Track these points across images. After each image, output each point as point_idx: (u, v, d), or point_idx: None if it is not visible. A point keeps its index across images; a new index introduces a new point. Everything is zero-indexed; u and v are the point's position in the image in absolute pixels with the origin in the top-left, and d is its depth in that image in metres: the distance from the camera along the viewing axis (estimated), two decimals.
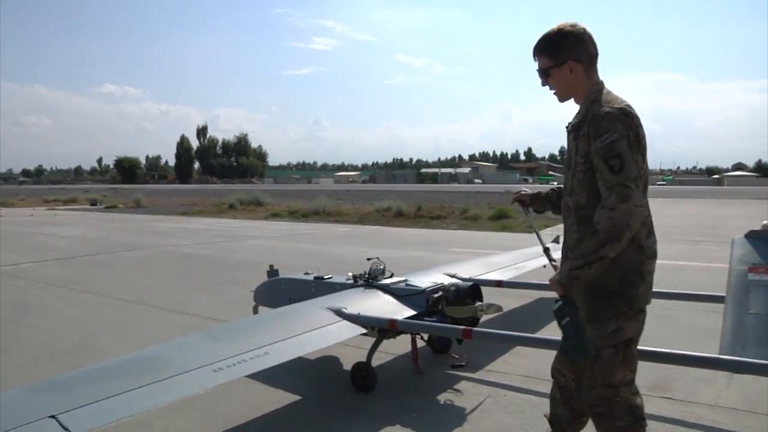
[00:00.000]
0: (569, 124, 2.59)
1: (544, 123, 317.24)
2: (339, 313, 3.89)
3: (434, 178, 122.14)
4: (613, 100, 2.40)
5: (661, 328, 5.74)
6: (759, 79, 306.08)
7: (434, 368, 4.70)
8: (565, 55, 2.49)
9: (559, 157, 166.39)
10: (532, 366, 4.59)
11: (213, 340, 3.37)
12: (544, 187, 3.36)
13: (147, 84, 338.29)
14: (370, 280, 4.71)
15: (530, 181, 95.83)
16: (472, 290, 4.40)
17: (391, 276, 4.83)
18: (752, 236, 3.34)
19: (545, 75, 2.58)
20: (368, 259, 4.91)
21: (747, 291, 3.07)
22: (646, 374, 4.27)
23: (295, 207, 25.15)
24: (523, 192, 3.21)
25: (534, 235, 3.08)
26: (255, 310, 5.40)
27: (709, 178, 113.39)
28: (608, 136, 2.27)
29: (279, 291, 5.14)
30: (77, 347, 5.44)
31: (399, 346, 4.89)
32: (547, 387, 3.05)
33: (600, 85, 2.51)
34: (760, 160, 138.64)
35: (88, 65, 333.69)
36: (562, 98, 2.62)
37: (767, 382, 3.58)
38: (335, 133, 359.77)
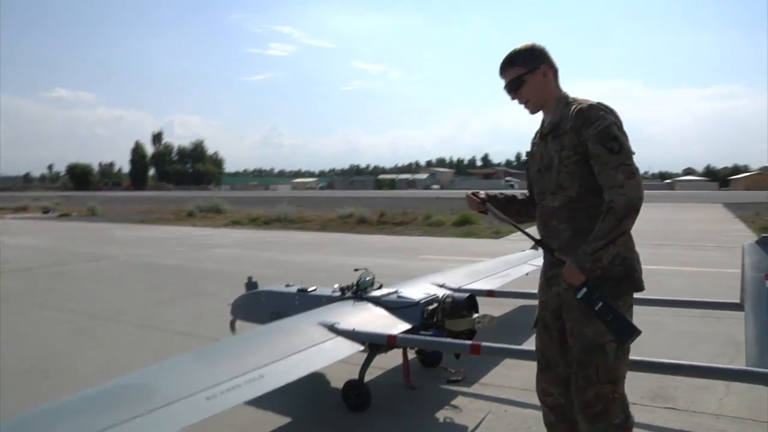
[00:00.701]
0: (540, 130, 2.69)
1: (499, 129, 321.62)
2: (333, 329, 3.65)
3: (392, 184, 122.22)
4: (587, 99, 2.51)
5: (649, 334, 5.65)
6: (707, 87, 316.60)
7: (427, 383, 4.50)
8: (539, 61, 2.59)
9: (515, 163, 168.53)
10: (527, 378, 4.37)
11: (202, 363, 3.09)
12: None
13: (100, 89, 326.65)
14: (359, 292, 4.48)
15: (515, 186, 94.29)
16: (469, 301, 4.21)
17: (380, 287, 4.62)
18: (765, 242, 3.26)
19: (518, 85, 2.62)
20: (355, 270, 4.68)
21: (767, 299, 2.96)
22: (644, 383, 4.18)
23: (256, 214, 24.72)
24: (479, 193, 2.88)
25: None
26: (232, 325, 5.13)
27: (661, 182, 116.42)
28: (600, 122, 2.37)
29: (259, 305, 4.88)
30: (39, 369, 5.05)
31: (388, 359, 4.66)
32: None
33: (567, 93, 2.63)
34: (708, 165, 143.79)
35: (37, 69, 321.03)
36: (535, 107, 2.68)
37: (765, 389, 3.50)
38: (292, 140, 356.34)
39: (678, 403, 3.98)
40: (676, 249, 12.52)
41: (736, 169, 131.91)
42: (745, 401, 3.94)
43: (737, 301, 4.12)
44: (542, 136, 2.67)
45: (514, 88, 2.64)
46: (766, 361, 2.69)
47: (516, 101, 2.67)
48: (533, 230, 2.75)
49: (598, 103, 2.45)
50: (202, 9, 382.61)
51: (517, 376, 4.51)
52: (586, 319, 2.44)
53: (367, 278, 4.57)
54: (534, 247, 7.50)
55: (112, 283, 9.47)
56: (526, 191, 2.93)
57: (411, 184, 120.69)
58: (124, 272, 10.64)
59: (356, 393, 3.98)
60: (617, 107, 2.44)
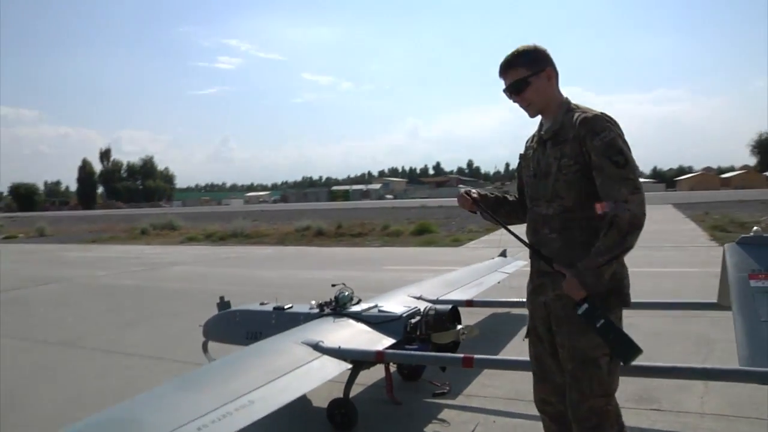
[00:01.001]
0: (539, 135, 2.59)
1: (450, 137, 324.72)
2: (318, 348, 3.55)
3: (346, 196, 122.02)
4: (590, 108, 2.45)
5: None
6: (648, 92, 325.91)
7: (412, 397, 4.42)
8: (543, 63, 2.51)
9: (467, 171, 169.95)
10: (511, 387, 4.40)
11: (188, 391, 2.95)
12: None
13: (44, 106, 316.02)
14: (338, 308, 4.39)
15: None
16: (452, 313, 4.16)
17: (359, 302, 4.53)
18: (745, 242, 3.31)
19: (522, 86, 2.52)
20: (333, 285, 4.59)
21: (753, 299, 3.00)
22: (627, 386, 4.18)
23: (212, 230, 24.30)
24: (471, 192, 2.84)
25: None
26: (205, 347, 4.96)
27: None
28: (606, 134, 2.31)
29: (234, 324, 4.73)
30: (4, 401, 4.76)
31: (368, 375, 4.55)
32: (534, 408, 2.81)
33: (568, 99, 2.55)
34: (655, 167, 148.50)
35: None
36: (537, 111, 2.59)
37: (742, 385, 3.55)
38: (243, 154, 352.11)
39: (662, 404, 4.01)
40: (633, 250, 12.72)
41: (682, 170, 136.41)
42: (725, 398, 4.00)
43: (714, 301, 4.18)
44: (541, 142, 2.58)
45: (516, 91, 2.53)
46: (758, 359, 2.71)
47: (516, 104, 2.58)
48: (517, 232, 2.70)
49: (602, 113, 2.40)
50: (148, 22, 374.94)
51: (499, 386, 4.48)
52: (578, 332, 2.39)
53: (346, 293, 4.48)
54: (503, 254, 7.52)
55: (70, 307, 9.11)
56: (516, 193, 2.87)
57: (365, 195, 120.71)
58: (81, 295, 10.27)
59: (342, 412, 3.87)
60: None
